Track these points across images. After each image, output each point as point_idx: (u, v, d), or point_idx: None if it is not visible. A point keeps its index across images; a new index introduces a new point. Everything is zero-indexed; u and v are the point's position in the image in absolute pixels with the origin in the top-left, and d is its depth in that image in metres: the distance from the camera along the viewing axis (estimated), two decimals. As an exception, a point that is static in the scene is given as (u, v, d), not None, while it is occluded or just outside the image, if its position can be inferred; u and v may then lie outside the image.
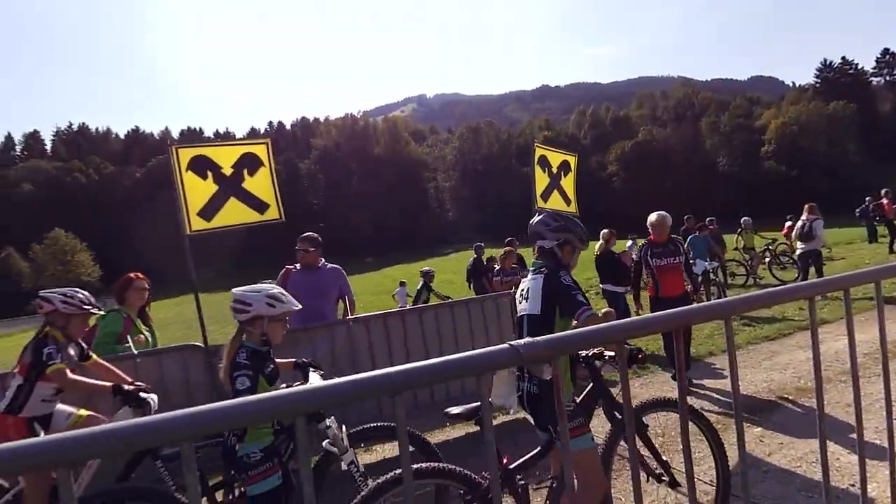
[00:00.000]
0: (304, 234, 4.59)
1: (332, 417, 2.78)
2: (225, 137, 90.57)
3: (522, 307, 2.59)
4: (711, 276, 9.55)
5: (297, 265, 4.59)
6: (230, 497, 2.79)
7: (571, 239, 2.59)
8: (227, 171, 4.26)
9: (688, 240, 9.01)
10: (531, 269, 2.63)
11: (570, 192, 6.17)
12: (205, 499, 2.64)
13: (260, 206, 4.36)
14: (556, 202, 5.93)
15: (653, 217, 5.35)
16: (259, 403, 0.87)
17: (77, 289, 3.22)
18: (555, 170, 5.96)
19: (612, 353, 2.50)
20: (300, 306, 2.68)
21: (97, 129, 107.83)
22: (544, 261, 2.57)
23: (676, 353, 1.37)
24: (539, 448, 2.47)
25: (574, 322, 2.37)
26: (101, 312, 3.54)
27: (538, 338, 1.13)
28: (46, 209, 73.75)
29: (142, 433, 0.78)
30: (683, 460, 1.36)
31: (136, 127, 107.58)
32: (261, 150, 4.46)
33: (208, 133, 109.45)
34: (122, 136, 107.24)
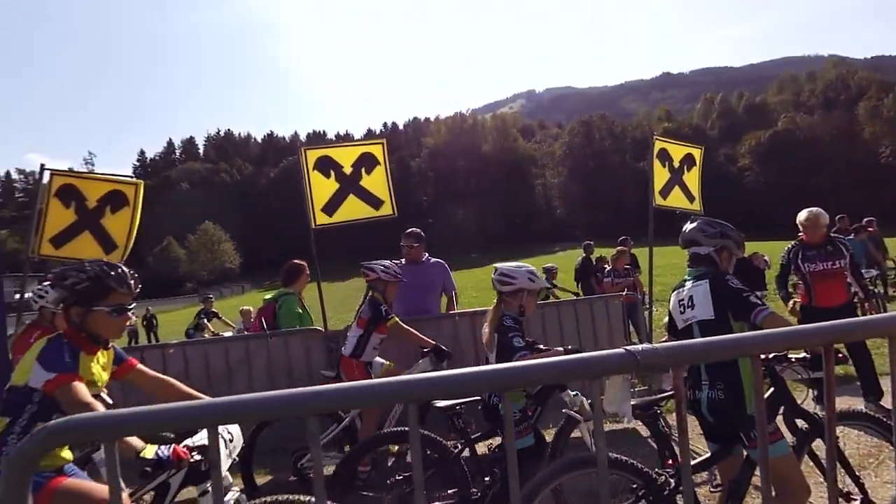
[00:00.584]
0: (409, 230, 4.73)
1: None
2: (345, 139, 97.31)
3: (686, 316, 2.50)
4: (870, 286, 8.22)
5: (402, 260, 4.77)
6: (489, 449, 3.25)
7: (729, 245, 2.53)
8: (348, 169, 4.57)
9: (842, 244, 7.78)
10: (689, 277, 2.56)
11: (694, 189, 5.68)
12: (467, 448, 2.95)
13: (375, 203, 4.62)
14: (677, 199, 5.50)
15: (802, 215, 4.54)
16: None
17: (389, 262, 3.90)
18: (676, 164, 5.52)
19: (800, 356, 2.37)
20: (549, 285, 2.93)
21: (239, 134, 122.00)
22: (704, 267, 2.52)
23: (826, 376, 1.19)
24: (712, 454, 2.39)
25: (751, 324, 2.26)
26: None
27: (658, 345, 1.06)
28: (198, 204, 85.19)
29: (443, 385, 0.97)
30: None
31: (271, 131, 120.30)
32: (377, 150, 4.72)
33: (331, 135, 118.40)
34: (259, 139, 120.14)
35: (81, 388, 1.86)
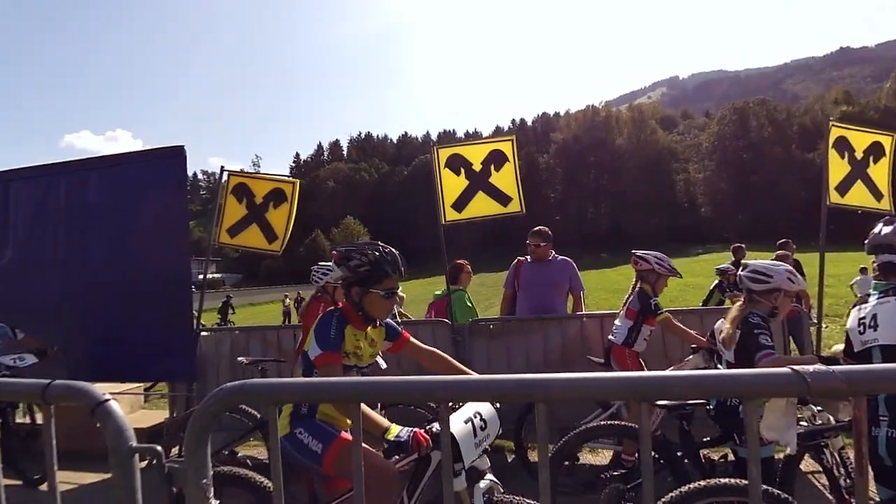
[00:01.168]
0: (536, 229, 4.65)
1: None
2: (473, 137, 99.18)
3: (867, 337, 2.15)
4: None
5: (528, 257, 4.71)
6: (721, 458, 2.89)
7: None
8: (477, 167, 4.65)
9: None
10: (875, 291, 2.19)
11: (882, 184, 4.73)
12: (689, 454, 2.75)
13: (504, 200, 4.63)
14: (858, 196, 4.64)
15: None
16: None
17: (663, 255, 3.77)
18: (859, 155, 4.65)
19: None
20: (804, 286, 2.74)
21: (377, 135, 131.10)
22: None
23: None
24: (883, 501, 2.07)
25: None
26: None
27: (835, 367, 0.90)
28: (342, 201, 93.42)
29: (679, 385, 0.93)
30: None
31: (405, 132, 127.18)
32: (506, 147, 4.72)
33: (460, 133, 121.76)
34: (394, 140, 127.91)
35: (337, 370, 2.07)
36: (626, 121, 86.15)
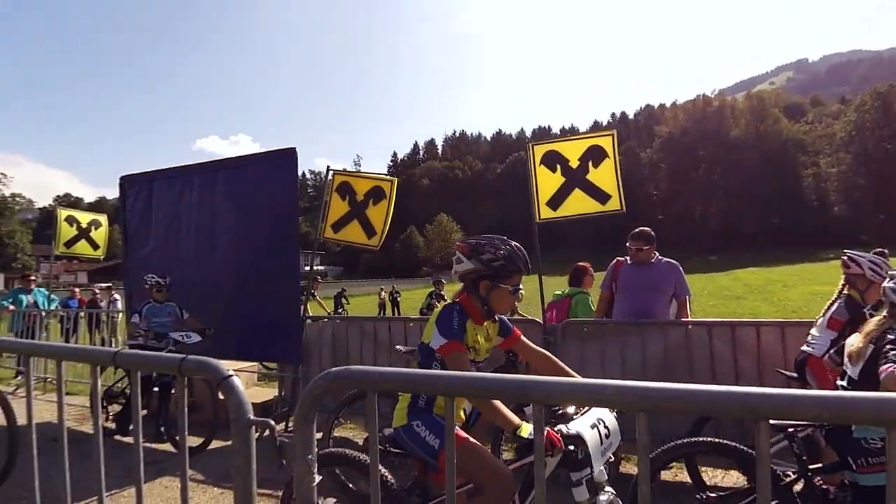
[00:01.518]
0: (637, 231, 4.32)
1: None
2: (570, 132, 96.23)
3: None
4: None
5: (628, 258, 4.44)
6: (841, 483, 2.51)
7: None
8: (574, 163, 4.49)
9: None
10: None
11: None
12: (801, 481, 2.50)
13: (602, 197, 4.43)
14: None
15: None
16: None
17: (885, 260, 3.34)
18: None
19: None
20: None
21: (471, 133, 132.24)
22: None
23: None
24: None
25: None
26: None
27: None
28: (436, 198, 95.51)
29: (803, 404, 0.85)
30: None
31: (499, 129, 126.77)
32: (606, 142, 4.51)
33: (555, 130, 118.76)
34: (488, 137, 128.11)
35: (464, 357, 2.07)
36: (743, 110, 78.40)
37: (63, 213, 8.29)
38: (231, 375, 1.12)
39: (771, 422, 2.37)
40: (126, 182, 6.10)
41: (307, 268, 6.32)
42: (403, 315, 16.66)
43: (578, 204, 4.48)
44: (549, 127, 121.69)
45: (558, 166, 4.52)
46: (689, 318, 4.28)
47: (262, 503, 3.21)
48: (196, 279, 5.39)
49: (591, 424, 1.88)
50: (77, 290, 12.27)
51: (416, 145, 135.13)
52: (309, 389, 1.11)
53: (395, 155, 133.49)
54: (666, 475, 3.66)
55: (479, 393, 0.96)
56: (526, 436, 1.76)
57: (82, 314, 9.06)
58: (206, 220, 5.46)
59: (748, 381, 3.75)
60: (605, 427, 1.93)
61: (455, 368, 2.01)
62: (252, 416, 1.13)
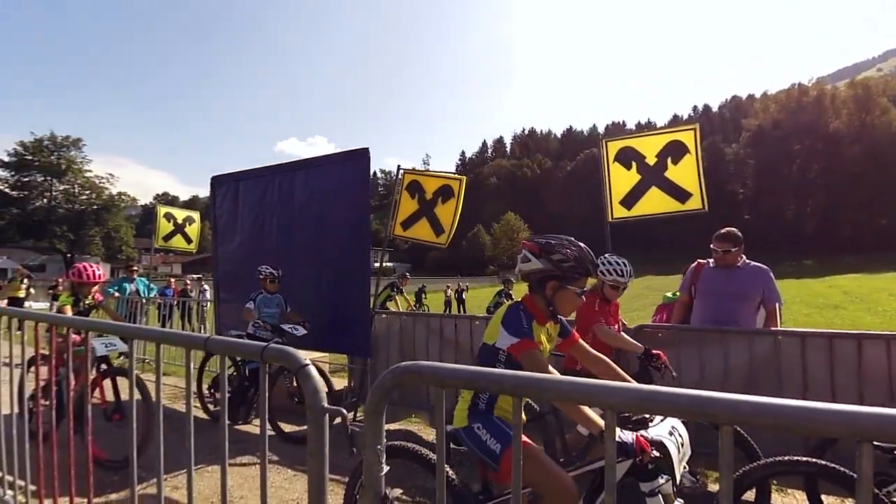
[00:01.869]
0: (723, 231, 3.96)
1: None
2: (646, 127, 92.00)
3: None
4: None
5: (711, 261, 4.13)
6: None
7: None
8: (651, 160, 4.28)
9: None
10: None
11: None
12: None
13: (682, 196, 4.19)
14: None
15: None
16: None
17: None
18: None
19: None
20: None
21: (541, 131, 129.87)
22: None
23: None
24: None
25: None
26: None
27: None
28: (503, 197, 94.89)
29: None
30: None
31: (570, 126, 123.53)
32: (687, 137, 4.26)
33: (630, 125, 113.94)
34: (558, 135, 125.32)
35: (539, 356, 2.04)
36: (846, 100, 70.82)
37: (162, 210, 9.12)
38: (307, 364, 1.18)
39: (875, 444, 2.15)
40: (216, 182, 6.59)
41: (376, 264, 6.50)
42: (469, 313, 16.72)
43: (655, 203, 4.26)
44: (623, 122, 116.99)
45: (634, 163, 4.33)
46: (780, 328, 3.95)
47: (331, 487, 3.37)
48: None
49: (668, 432, 1.82)
50: (172, 280, 13.44)
51: (484, 144, 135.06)
52: (379, 382, 1.14)
53: (463, 154, 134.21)
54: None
55: (548, 394, 0.94)
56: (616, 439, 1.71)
57: (175, 302, 9.92)
58: (285, 218, 5.78)
59: (846, 399, 3.39)
60: (680, 436, 1.85)
61: (531, 367, 1.98)
62: (326, 405, 1.18)
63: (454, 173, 5.65)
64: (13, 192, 47.63)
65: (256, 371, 4.86)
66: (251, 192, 6.17)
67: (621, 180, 4.34)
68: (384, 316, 5.57)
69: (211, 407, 5.14)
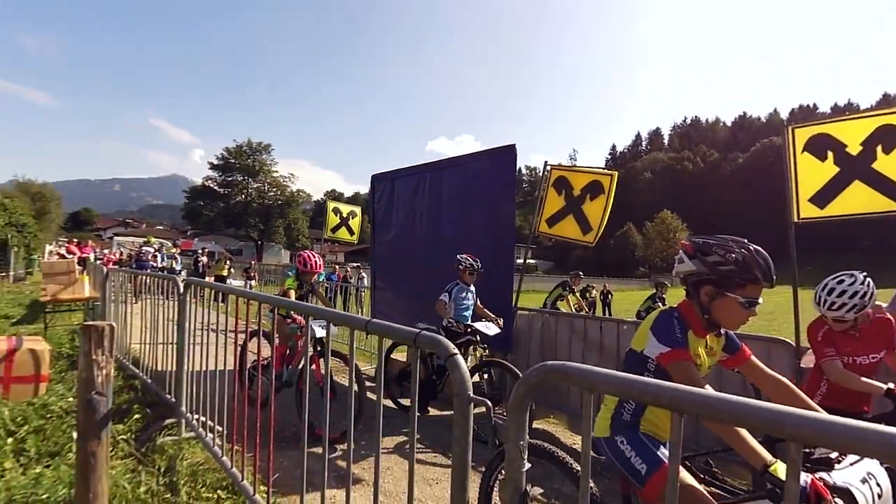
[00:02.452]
0: None
1: None
2: (846, 110, 76.97)
3: None
4: None
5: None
6: None
7: None
8: (854, 149, 3.55)
9: None
10: None
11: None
12: None
13: (894, 192, 3.41)
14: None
15: None
16: None
17: None
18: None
19: None
20: None
21: (706, 119, 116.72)
22: None
23: None
24: None
25: None
26: None
27: None
28: (659, 193, 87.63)
29: None
30: None
31: (743, 112, 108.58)
32: (906, 120, 3.45)
33: (823, 108, 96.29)
34: (728, 123, 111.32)
35: (692, 367, 1.85)
36: None
37: (331, 205, 10.28)
38: (456, 354, 1.23)
39: None
40: (375, 180, 7.20)
41: (519, 261, 6.50)
42: (615, 316, 15.82)
43: (858, 200, 3.53)
44: (813, 105, 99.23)
45: (830, 153, 3.64)
46: None
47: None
48: (423, 266, 6.07)
49: (861, 478, 1.50)
50: (337, 266, 15.12)
51: (638, 136, 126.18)
52: (525, 378, 1.14)
53: (613, 147, 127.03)
54: None
55: (715, 414, 0.84)
56: (781, 476, 1.44)
57: (338, 287, 11.10)
58: (433, 213, 6.09)
59: None
60: (878, 485, 1.52)
61: (683, 381, 1.75)
62: (471, 394, 1.22)
63: (603, 168, 5.37)
64: (220, 190, 57.76)
65: (443, 368, 4.90)
66: (404, 189, 6.62)
67: (812, 173, 3.67)
68: (526, 313, 5.55)
69: (406, 402, 5.18)
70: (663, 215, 75.23)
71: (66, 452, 3.11)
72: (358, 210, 10.57)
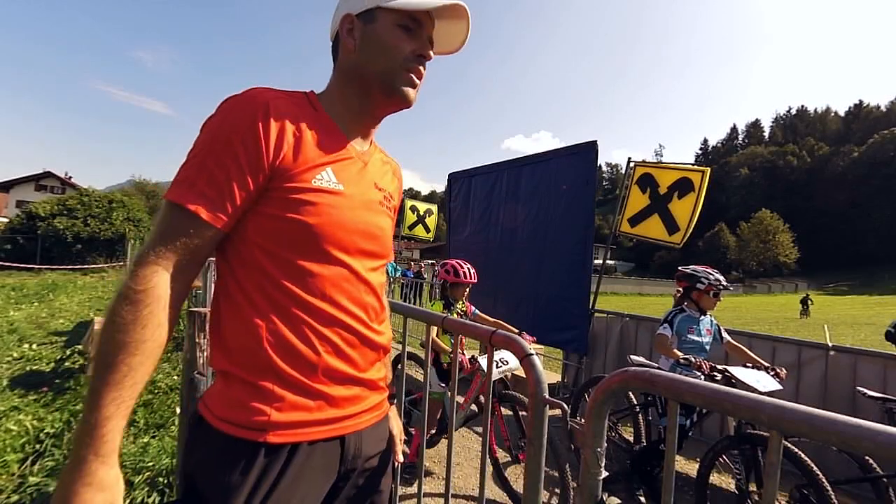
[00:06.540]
0: None
1: None
2: None
3: None
4: None
5: None
6: None
7: None
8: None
9: None
10: None
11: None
12: None
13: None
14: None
15: None
16: None
17: None
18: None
19: None
20: None
21: (815, 109, 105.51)
22: None
23: None
24: None
25: None
26: None
27: None
28: (757, 191, 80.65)
29: None
30: None
31: (859, 101, 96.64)
32: None
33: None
34: (841, 113, 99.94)
35: None
36: None
37: (408, 202, 10.53)
38: (532, 354, 1.21)
39: None
40: (452, 178, 7.28)
41: (598, 261, 6.28)
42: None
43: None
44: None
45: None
46: None
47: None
48: (500, 263, 6.05)
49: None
50: (413, 263, 15.46)
51: (733, 129, 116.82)
52: (606, 383, 1.10)
53: (705, 142, 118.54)
54: None
55: (827, 438, 0.76)
56: None
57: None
58: (510, 211, 6.04)
59: None
60: None
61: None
62: (547, 395, 1.20)
63: (692, 164, 5.06)
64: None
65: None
66: (481, 187, 6.63)
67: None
68: (604, 315, 5.35)
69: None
70: (761, 215, 69.03)
71: (170, 425, 3.45)
72: (434, 208, 10.75)
